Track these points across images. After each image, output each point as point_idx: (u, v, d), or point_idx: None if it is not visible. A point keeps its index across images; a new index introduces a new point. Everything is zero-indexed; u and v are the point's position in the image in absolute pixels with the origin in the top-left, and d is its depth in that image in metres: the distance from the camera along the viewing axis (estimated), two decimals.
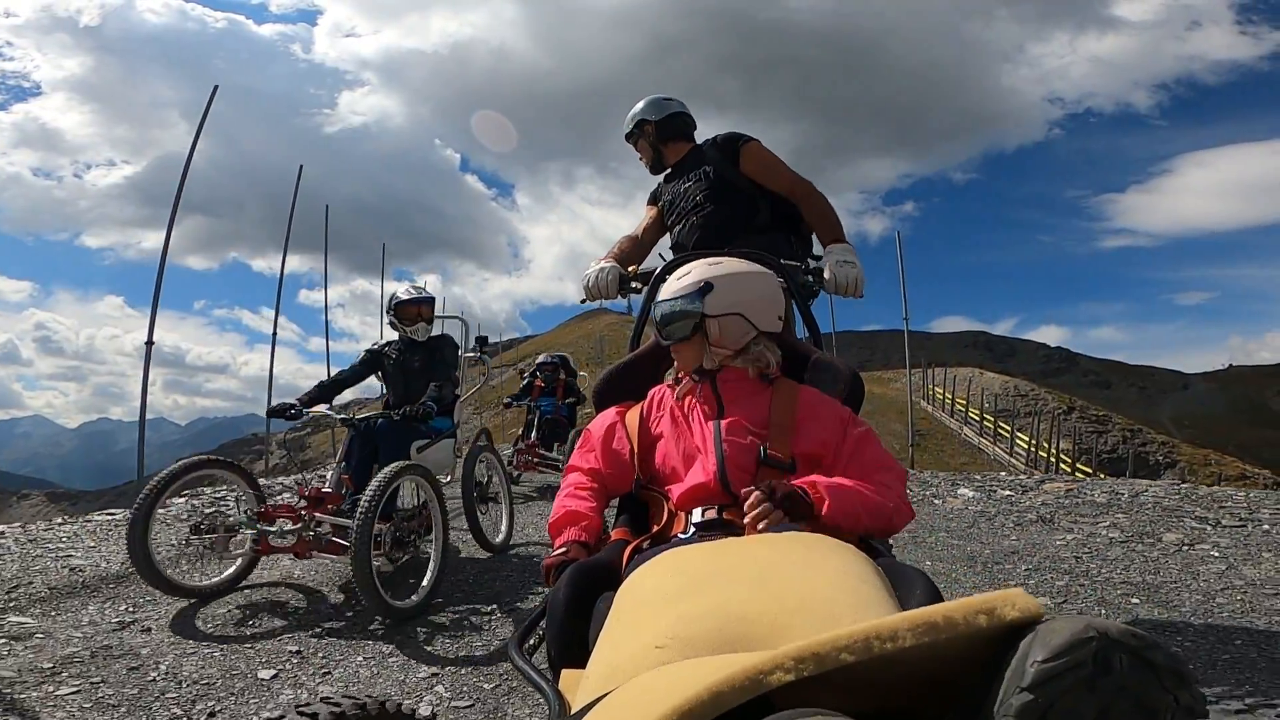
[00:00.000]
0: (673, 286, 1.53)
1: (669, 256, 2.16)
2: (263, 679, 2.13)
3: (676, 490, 1.36)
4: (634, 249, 2.43)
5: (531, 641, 1.23)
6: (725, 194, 2.29)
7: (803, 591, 0.89)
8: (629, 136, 2.55)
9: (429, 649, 2.41)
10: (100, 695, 1.97)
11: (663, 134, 2.47)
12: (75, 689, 2.00)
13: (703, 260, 1.58)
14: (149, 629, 2.48)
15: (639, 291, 2.17)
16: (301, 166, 10.20)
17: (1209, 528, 3.87)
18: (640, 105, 2.51)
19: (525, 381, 7.69)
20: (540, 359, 7.70)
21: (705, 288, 1.48)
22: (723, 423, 1.39)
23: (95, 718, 1.85)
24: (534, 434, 6.85)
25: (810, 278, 2.07)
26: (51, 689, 1.99)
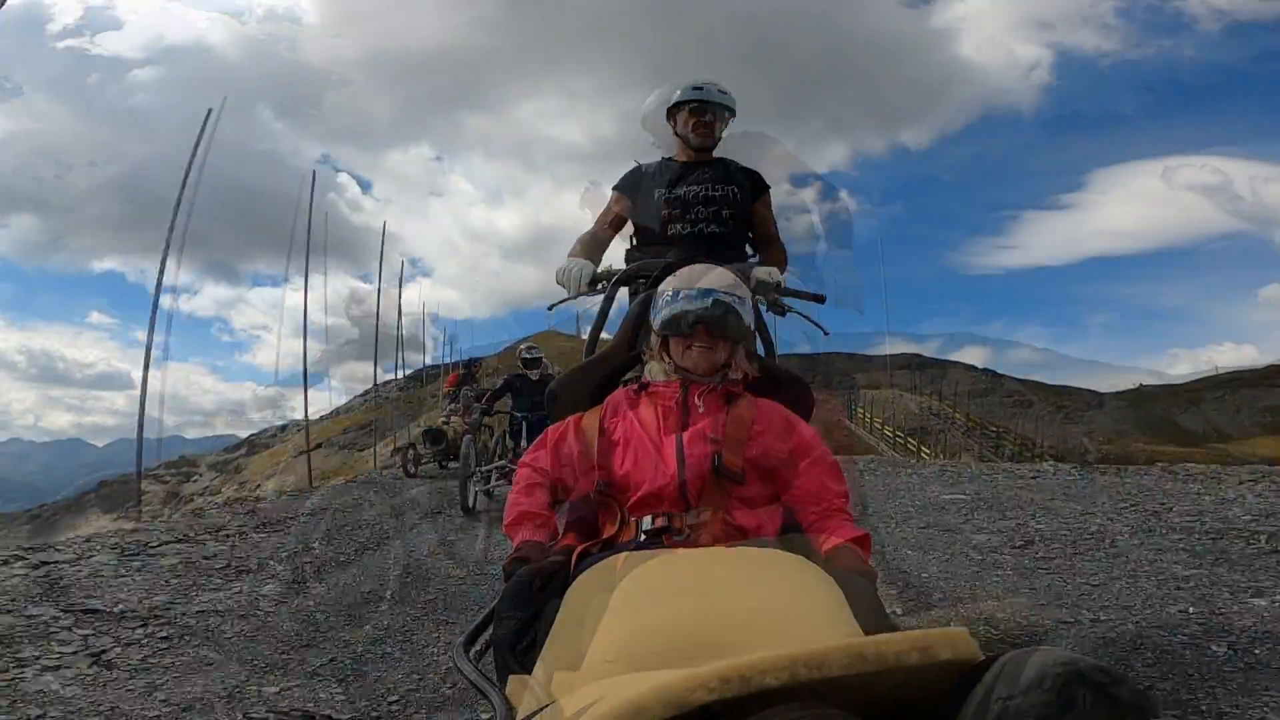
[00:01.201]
0: (708, 279, 1.46)
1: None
2: None
3: (634, 495, 1.34)
4: (599, 248, 2.38)
5: (479, 646, 1.20)
6: (741, 218, 2.33)
7: (751, 609, 0.92)
8: (703, 109, 2.28)
9: (377, 685, 2.25)
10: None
11: (727, 130, 2.35)
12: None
13: (705, 266, 1.55)
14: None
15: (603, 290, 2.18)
16: (315, 173, 10.60)
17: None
18: (728, 94, 2.32)
19: (500, 384, 7.01)
20: (523, 353, 6.95)
21: (742, 296, 1.45)
22: (685, 433, 1.38)
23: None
24: (523, 440, 6.03)
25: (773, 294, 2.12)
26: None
